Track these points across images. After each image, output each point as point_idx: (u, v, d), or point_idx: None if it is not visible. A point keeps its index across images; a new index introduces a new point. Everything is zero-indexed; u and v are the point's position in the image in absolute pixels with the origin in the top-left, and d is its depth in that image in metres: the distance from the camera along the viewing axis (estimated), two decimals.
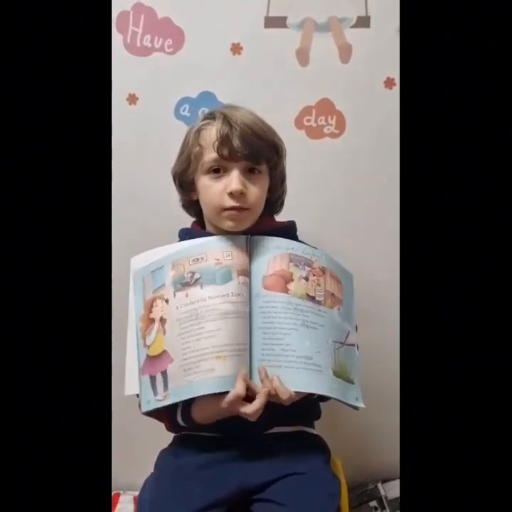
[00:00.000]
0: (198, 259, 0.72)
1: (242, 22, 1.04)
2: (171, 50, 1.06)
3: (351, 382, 0.72)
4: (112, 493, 1.17)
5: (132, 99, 1.07)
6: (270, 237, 0.75)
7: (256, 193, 0.74)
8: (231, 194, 0.71)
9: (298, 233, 0.83)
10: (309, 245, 0.77)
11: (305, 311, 0.71)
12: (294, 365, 0.69)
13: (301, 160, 1.06)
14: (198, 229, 0.81)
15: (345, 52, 1.04)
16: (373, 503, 1.15)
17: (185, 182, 0.79)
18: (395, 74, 1.03)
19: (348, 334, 0.74)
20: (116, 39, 1.04)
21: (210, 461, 0.73)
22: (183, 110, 1.07)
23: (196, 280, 0.70)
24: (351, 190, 1.09)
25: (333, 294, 0.74)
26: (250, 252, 0.74)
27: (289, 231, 0.80)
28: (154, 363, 0.70)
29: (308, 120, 1.07)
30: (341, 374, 0.71)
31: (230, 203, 0.72)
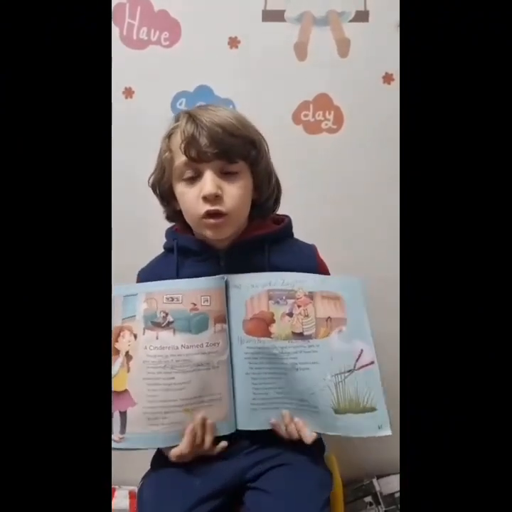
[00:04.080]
0: (172, 299, 0.67)
1: (240, 15, 1.03)
2: (167, 43, 1.05)
3: (369, 410, 0.65)
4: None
5: (128, 92, 1.06)
6: (244, 275, 0.69)
7: (235, 194, 0.69)
8: (205, 198, 0.67)
9: (295, 230, 0.81)
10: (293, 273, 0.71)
11: (293, 353, 0.67)
12: (290, 406, 0.67)
13: (299, 155, 1.06)
14: (185, 233, 0.77)
15: (344, 47, 1.03)
16: (368, 499, 1.16)
17: (163, 192, 0.76)
18: (394, 69, 1.03)
19: (360, 354, 0.67)
20: (113, 31, 1.03)
21: (208, 455, 0.73)
22: (180, 104, 1.06)
23: (169, 323, 0.66)
24: (349, 185, 1.09)
25: (328, 318, 0.68)
26: (227, 292, 0.69)
27: (283, 233, 0.77)
28: (116, 399, 0.66)
29: (306, 115, 1.07)
30: (349, 409, 0.65)
31: (206, 207, 0.67)
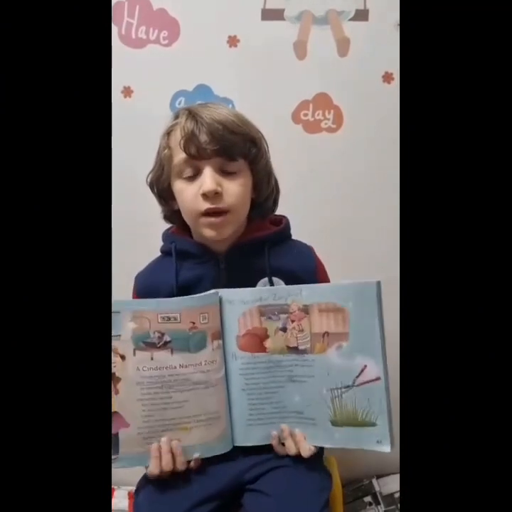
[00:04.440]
0: (169, 318, 0.64)
1: (239, 14, 1.03)
2: (166, 41, 1.04)
3: (369, 425, 0.63)
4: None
5: (127, 91, 1.06)
6: (236, 290, 0.67)
7: (234, 191, 0.68)
8: (204, 195, 0.66)
9: (294, 230, 0.80)
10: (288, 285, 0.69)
11: (288, 366, 0.66)
12: (288, 420, 0.67)
13: (298, 155, 1.05)
14: (183, 235, 0.76)
15: (344, 46, 1.03)
16: (368, 499, 1.16)
17: (162, 190, 0.75)
18: (394, 68, 1.03)
19: (362, 370, 0.62)
20: (112, 30, 1.03)
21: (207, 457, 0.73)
22: (179, 103, 1.05)
23: (166, 343, 0.64)
24: (349, 185, 1.09)
25: (325, 333, 0.64)
26: (221, 308, 0.67)
27: (282, 235, 0.77)
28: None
29: (306, 114, 1.06)
30: (346, 422, 0.64)
31: (205, 205, 0.67)
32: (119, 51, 1.03)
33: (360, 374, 0.62)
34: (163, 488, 0.69)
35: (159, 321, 0.64)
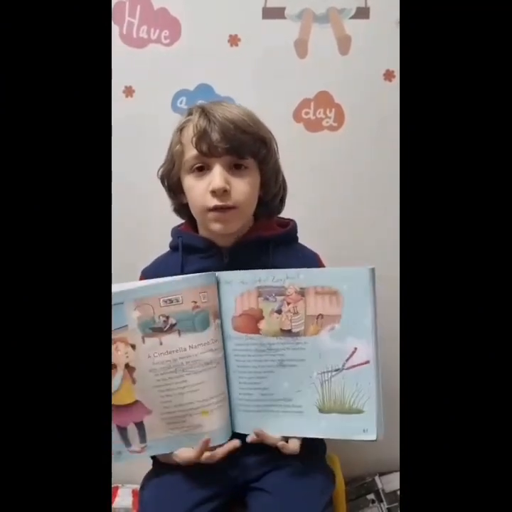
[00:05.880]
0: (171, 301, 0.64)
1: (240, 13, 1.03)
2: (167, 41, 1.04)
3: (356, 412, 0.63)
4: (112, 486, 1.18)
5: (129, 91, 1.06)
6: (235, 272, 0.68)
7: (243, 189, 0.70)
8: (213, 192, 0.68)
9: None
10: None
11: (280, 349, 0.66)
12: (274, 408, 0.67)
13: (300, 153, 1.05)
14: (191, 231, 0.79)
15: (345, 44, 1.03)
16: (371, 496, 1.16)
17: (172, 184, 0.77)
18: (395, 66, 1.02)
19: (353, 353, 0.64)
20: (113, 30, 1.03)
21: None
22: (180, 103, 1.05)
23: (172, 326, 0.64)
24: (350, 183, 1.09)
25: (319, 315, 0.65)
26: (218, 289, 0.68)
27: (288, 237, 0.78)
28: (123, 412, 0.65)
29: (307, 113, 1.06)
30: (334, 408, 0.64)
31: (214, 202, 0.69)
32: (121, 51, 1.03)
33: (350, 356, 0.63)
34: (169, 485, 0.70)
35: (162, 305, 0.64)
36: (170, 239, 0.81)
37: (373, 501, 1.15)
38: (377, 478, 1.18)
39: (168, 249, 0.82)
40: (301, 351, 0.66)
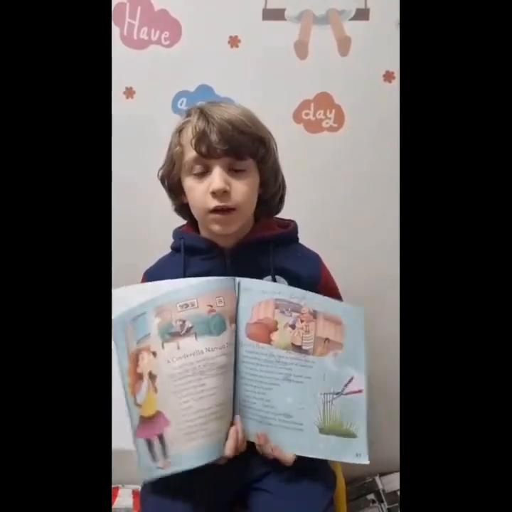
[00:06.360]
0: (187, 305, 0.64)
1: (240, 14, 1.03)
2: (167, 42, 1.05)
3: (351, 435, 0.66)
4: (112, 487, 1.18)
5: (129, 92, 1.06)
6: (256, 280, 0.69)
7: (242, 190, 0.70)
8: (214, 193, 0.68)
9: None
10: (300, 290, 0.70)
11: (289, 364, 0.66)
12: (273, 422, 0.67)
13: (300, 154, 1.06)
14: (192, 232, 0.79)
15: (344, 45, 1.03)
16: (371, 496, 1.16)
17: (172, 185, 0.77)
18: (395, 67, 1.03)
19: (350, 381, 0.67)
20: (113, 31, 1.03)
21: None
22: (181, 104, 1.06)
23: (188, 329, 0.64)
24: (350, 184, 1.09)
25: (326, 340, 0.67)
26: (237, 295, 0.68)
27: (288, 237, 0.78)
28: (149, 425, 0.64)
29: (307, 114, 1.06)
30: (333, 429, 0.66)
31: (214, 203, 0.69)
32: (121, 52, 1.04)
33: (348, 384, 0.67)
34: (172, 487, 0.69)
35: (178, 309, 0.64)
36: (171, 239, 0.81)
37: (374, 501, 1.15)
38: (377, 478, 1.18)
39: (169, 249, 0.82)
40: (308, 369, 0.67)
